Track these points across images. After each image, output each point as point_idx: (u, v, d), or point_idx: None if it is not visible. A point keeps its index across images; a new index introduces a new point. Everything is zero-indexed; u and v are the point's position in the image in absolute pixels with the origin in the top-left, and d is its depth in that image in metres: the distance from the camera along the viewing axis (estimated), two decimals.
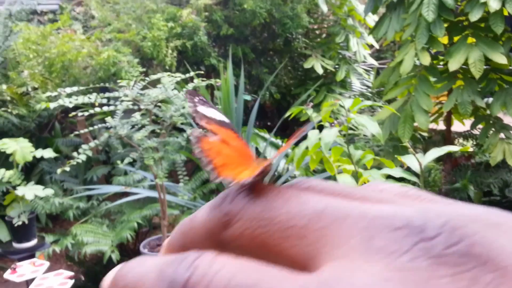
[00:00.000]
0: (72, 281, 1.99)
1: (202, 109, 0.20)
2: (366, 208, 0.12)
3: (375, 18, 3.46)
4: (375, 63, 3.77)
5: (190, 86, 2.00)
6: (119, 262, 2.59)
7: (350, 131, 3.18)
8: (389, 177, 1.07)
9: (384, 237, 0.11)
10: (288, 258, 0.13)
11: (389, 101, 2.84)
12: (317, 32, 4.12)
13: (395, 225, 0.11)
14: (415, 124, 2.45)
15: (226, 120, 0.20)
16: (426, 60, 2.32)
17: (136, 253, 2.90)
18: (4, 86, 3.12)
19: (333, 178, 1.44)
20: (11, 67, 3.35)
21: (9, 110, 3.18)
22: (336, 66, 3.60)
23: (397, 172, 0.98)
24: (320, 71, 3.44)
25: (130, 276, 0.13)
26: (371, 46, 3.81)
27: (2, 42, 3.41)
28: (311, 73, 3.71)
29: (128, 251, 2.96)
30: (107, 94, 1.88)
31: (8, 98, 3.20)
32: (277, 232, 0.13)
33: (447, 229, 0.11)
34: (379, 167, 1.81)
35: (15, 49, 3.18)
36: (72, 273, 2.05)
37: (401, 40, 2.61)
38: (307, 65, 3.47)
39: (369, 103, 1.28)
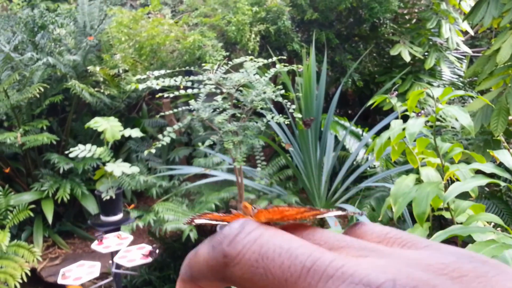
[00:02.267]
0: (150, 258, 2.09)
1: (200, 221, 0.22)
2: (340, 266, 0.14)
3: (471, 2, 3.23)
4: (469, 51, 3.53)
5: (272, 71, 2.00)
6: (196, 241, 2.67)
7: (437, 123, 3.02)
8: (478, 172, 0.99)
9: None
10: None
11: (482, 92, 2.66)
12: (407, 17, 3.93)
13: (354, 281, 0.14)
14: (510, 117, 2.27)
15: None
16: None
17: (213, 233, 2.97)
18: (97, 68, 3.31)
19: (415, 171, 1.38)
20: (104, 50, 3.55)
21: (102, 91, 3.38)
22: (425, 54, 3.42)
23: (488, 168, 0.90)
24: (407, 58, 3.28)
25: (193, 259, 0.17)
26: (465, 33, 3.57)
27: (97, 25, 3.61)
28: (398, 60, 3.56)
29: (205, 231, 3.05)
30: (191, 78, 1.92)
31: (101, 79, 3.40)
32: (272, 284, 0.15)
33: None
34: (467, 161, 1.69)
35: (109, 32, 3.36)
36: (150, 248, 2.15)
37: (499, 27, 2.41)
38: (393, 52, 3.33)
39: (460, 93, 1.20)
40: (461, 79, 3.54)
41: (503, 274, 0.15)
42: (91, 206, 3.27)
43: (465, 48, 3.46)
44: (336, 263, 0.15)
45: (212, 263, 0.16)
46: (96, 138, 3.40)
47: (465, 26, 3.39)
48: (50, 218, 3.16)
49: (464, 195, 1.42)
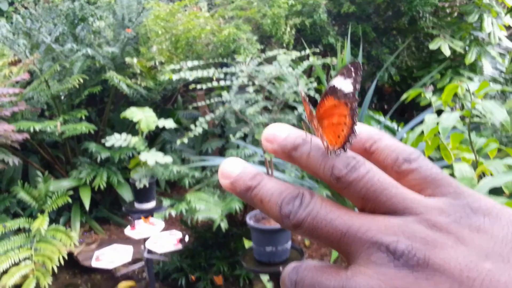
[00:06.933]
0: (180, 245, 2.12)
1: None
2: (365, 230, 0.20)
3: None
4: None
5: (305, 64, 1.99)
6: (227, 231, 2.69)
7: (476, 119, 2.92)
8: None
9: (376, 254, 0.20)
10: None
11: None
12: (448, 10, 3.82)
13: (381, 249, 0.20)
14: None
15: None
16: None
17: (243, 224, 3.00)
18: (135, 60, 3.37)
19: (450, 166, 1.34)
20: (142, 42, 3.60)
21: (139, 82, 3.44)
22: (466, 48, 3.32)
23: None
24: (447, 52, 3.19)
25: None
26: (508, 27, 3.44)
27: (135, 18, 3.67)
28: (437, 54, 3.47)
29: (236, 221, 3.08)
30: (224, 69, 1.94)
31: (138, 71, 3.46)
32: (328, 242, 0.22)
33: (407, 251, 0.19)
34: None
35: (146, 25, 3.41)
36: (181, 236, 2.19)
37: None
38: (432, 46, 3.24)
39: (497, 87, 1.16)
40: (503, 74, 3.42)
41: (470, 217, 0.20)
42: (126, 194, 3.34)
43: (507, 43, 3.34)
44: (363, 228, 0.20)
45: (284, 226, 0.22)
46: (132, 128, 3.47)
47: (508, 20, 3.27)
48: (87, 205, 3.25)
49: (500, 193, 1.37)
